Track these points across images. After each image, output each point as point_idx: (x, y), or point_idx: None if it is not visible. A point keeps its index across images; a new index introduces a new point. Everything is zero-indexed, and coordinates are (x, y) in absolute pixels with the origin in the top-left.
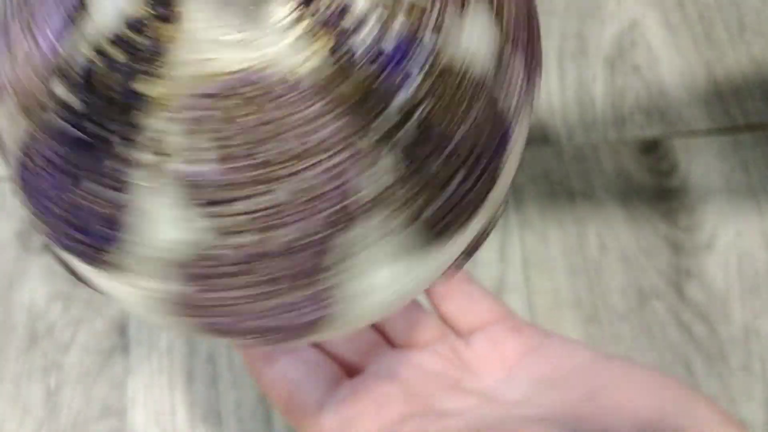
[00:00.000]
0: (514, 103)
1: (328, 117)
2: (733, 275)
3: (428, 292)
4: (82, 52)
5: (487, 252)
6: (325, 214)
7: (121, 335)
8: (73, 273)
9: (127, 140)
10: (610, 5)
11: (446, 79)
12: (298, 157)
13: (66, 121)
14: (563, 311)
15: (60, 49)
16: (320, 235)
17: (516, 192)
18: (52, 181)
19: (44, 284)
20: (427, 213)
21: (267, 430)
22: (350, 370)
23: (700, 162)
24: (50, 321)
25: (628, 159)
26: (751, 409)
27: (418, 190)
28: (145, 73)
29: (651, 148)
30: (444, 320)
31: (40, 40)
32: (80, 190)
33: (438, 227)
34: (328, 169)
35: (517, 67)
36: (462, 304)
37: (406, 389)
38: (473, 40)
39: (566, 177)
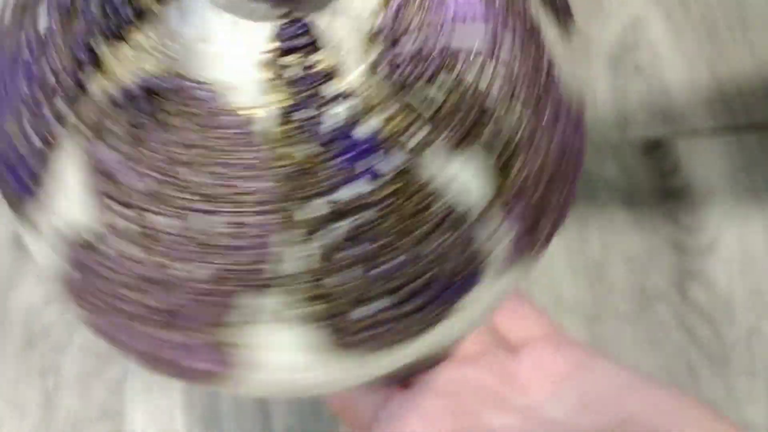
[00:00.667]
0: (493, 254)
1: (266, 171)
2: (736, 276)
3: None
4: None
5: None
6: (236, 267)
7: None
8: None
9: (69, 96)
10: (613, 5)
11: (404, 200)
12: (224, 198)
13: (30, 51)
14: (565, 312)
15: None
16: (227, 287)
17: None
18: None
19: (42, 286)
20: (337, 321)
21: (265, 431)
22: (405, 381)
23: (703, 162)
24: (48, 322)
25: (630, 159)
26: (754, 411)
27: (330, 292)
28: (108, 36)
29: (654, 147)
30: (494, 334)
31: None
32: (13, 123)
33: (348, 340)
34: (253, 223)
35: (508, 225)
36: (512, 318)
37: (454, 404)
38: (458, 178)
39: None
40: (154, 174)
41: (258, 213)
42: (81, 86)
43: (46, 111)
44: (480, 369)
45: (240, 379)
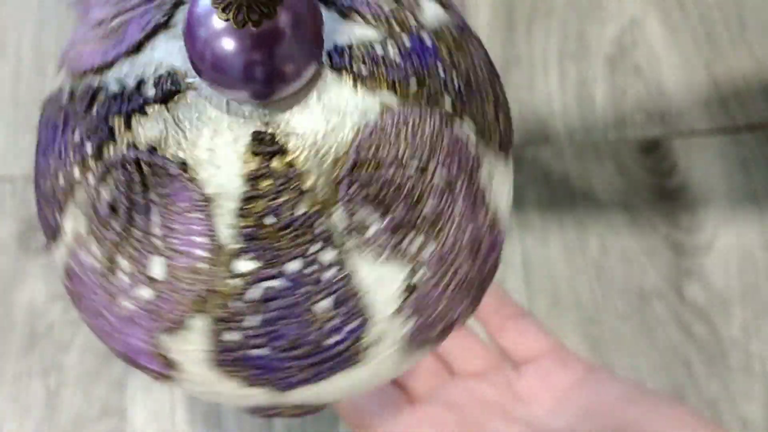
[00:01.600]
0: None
1: (422, 115)
2: (733, 275)
3: (485, 324)
4: (105, 80)
5: None
6: (469, 163)
7: None
8: None
9: (331, 244)
10: (611, 5)
11: (446, 36)
12: (429, 149)
13: (65, 120)
14: (563, 312)
15: (105, 73)
16: (475, 183)
17: (516, 192)
18: (45, 159)
19: (44, 284)
20: (500, 138)
21: (267, 430)
22: (413, 396)
23: (701, 162)
24: (50, 321)
25: (628, 159)
26: (751, 410)
27: (489, 123)
28: (120, 114)
29: (651, 148)
30: (500, 351)
31: (196, 250)
32: (55, 179)
33: (508, 144)
34: (449, 140)
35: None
36: (516, 336)
37: (461, 417)
38: (433, 15)
39: (566, 177)
40: (118, 227)
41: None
42: (99, 152)
43: (69, 161)
44: (485, 384)
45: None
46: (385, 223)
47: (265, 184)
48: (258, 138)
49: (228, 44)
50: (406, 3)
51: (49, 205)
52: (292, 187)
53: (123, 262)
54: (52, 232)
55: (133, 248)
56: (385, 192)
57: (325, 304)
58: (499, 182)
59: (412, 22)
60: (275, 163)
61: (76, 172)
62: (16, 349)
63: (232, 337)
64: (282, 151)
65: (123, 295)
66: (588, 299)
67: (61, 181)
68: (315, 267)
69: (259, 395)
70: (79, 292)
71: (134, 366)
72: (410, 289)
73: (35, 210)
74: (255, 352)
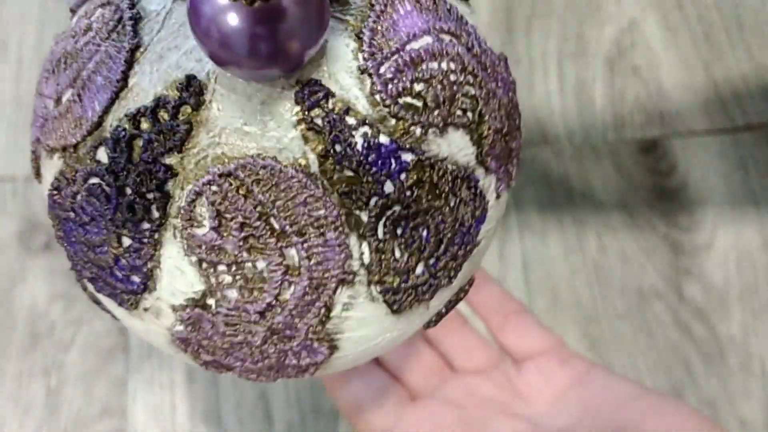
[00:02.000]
0: (489, 191)
1: (326, 198)
2: (732, 275)
3: (486, 322)
4: (122, 126)
5: (487, 253)
6: (331, 276)
7: (122, 335)
8: (97, 303)
9: (160, 207)
10: (610, 6)
11: (425, 178)
12: (306, 227)
13: (109, 185)
14: (563, 311)
15: (105, 121)
16: (327, 292)
17: (516, 192)
18: (95, 234)
19: (45, 284)
20: (391, 296)
21: (267, 430)
22: (414, 392)
23: (700, 162)
24: (51, 321)
25: (627, 159)
26: (750, 409)
27: (390, 269)
28: (173, 149)
29: (650, 148)
30: (501, 348)
31: (89, 110)
32: (117, 245)
33: (399, 307)
34: (333, 238)
35: (493, 167)
36: (517, 333)
37: (461, 414)
38: (452, 150)
39: (566, 178)
40: (243, 233)
41: (334, 228)
42: (165, 193)
43: (143, 223)
44: (487, 381)
45: (333, 362)
46: (211, 236)
47: (162, 115)
48: (190, 81)
49: (233, 19)
50: (430, 117)
51: None
52: (174, 138)
53: (59, 72)
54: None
55: (68, 68)
56: (231, 217)
57: (126, 242)
58: (359, 319)
59: (413, 134)
60: (184, 109)
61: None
62: (16, 348)
63: (62, 193)
64: (194, 108)
65: (43, 96)
66: (587, 299)
67: None
68: (138, 208)
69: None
70: (45, 73)
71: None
72: (195, 304)
73: (37, 210)
74: (67, 221)
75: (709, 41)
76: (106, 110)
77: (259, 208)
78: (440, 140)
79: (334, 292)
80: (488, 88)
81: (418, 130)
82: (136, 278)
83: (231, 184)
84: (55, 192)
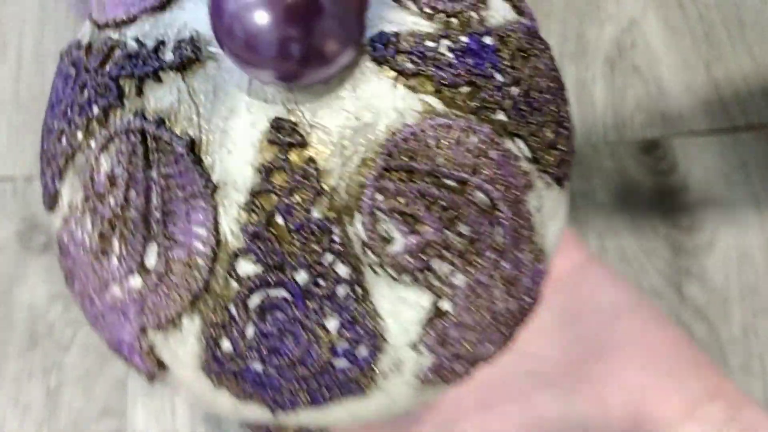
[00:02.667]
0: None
1: (469, 124)
2: (732, 275)
3: None
4: (247, 221)
5: None
6: (517, 188)
7: None
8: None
9: (344, 261)
10: (610, 6)
11: (512, 49)
12: (474, 166)
13: (281, 283)
14: None
15: (221, 230)
16: (524, 208)
17: None
18: (294, 346)
19: (44, 284)
20: (557, 165)
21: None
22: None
23: (700, 162)
24: (50, 321)
25: (628, 159)
26: None
27: (546, 147)
28: (316, 195)
29: (651, 148)
30: None
31: (196, 239)
32: (325, 333)
33: (563, 173)
34: (498, 160)
35: None
36: None
37: None
38: (500, 14)
39: None
40: (432, 214)
41: (493, 147)
42: (341, 244)
43: (338, 289)
44: None
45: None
46: (411, 241)
47: (279, 178)
48: (278, 125)
49: (261, 18)
50: None
51: (50, 168)
52: (309, 185)
53: (116, 245)
54: (50, 200)
55: (127, 230)
56: (415, 207)
57: (334, 323)
58: (549, 213)
59: (475, 20)
60: (294, 156)
61: (79, 135)
62: (16, 349)
63: (225, 345)
64: (302, 144)
65: (113, 281)
66: None
67: (64, 142)
68: (326, 281)
69: (256, 412)
70: (71, 270)
71: (123, 359)
72: (432, 320)
73: (36, 210)
74: (250, 365)
75: (709, 41)
76: (215, 224)
77: (429, 179)
78: (489, 12)
79: (527, 202)
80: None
81: (474, 14)
82: (363, 350)
83: (393, 178)
84: (215, 353)
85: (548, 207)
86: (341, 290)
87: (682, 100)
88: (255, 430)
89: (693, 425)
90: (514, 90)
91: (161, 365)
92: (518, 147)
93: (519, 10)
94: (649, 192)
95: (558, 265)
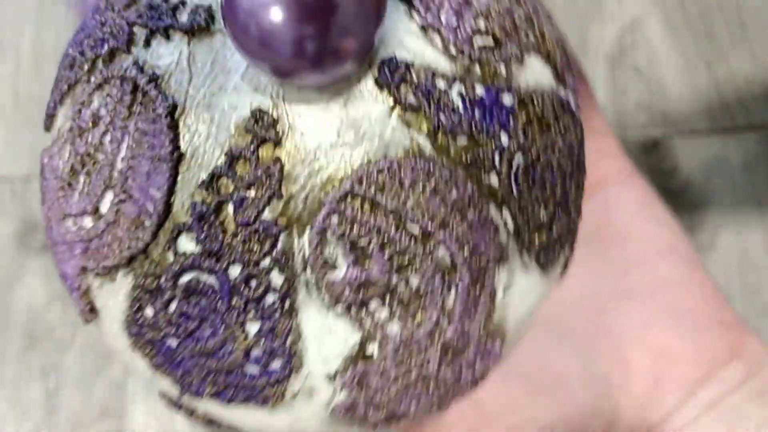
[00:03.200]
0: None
1: (454, 176)
2: (734, 276)
3: None
4: (200, 199)
5: None
6: (486, 258)
7: None
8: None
9: (282, 268)
10: (611, 5)
11: (532, 115)
12: (445, 220)
13: (211, 272)
14: None
15: (174, 206)
16: (488, 280)
17: None
18: (210, 337)
19: (44, 285)
20: (543, 250)
21: None
22: None
23: (702, 162)
24: (50, 321)
25: (629, 159)
26: None
27: (535, 226)
28: (272, 197)
29: (652, 148)
30: None
31: (148, 202)
32: (243, 337)
33: (549, 259)
34: (473, 223)
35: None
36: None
37: None
38: (535, 76)
39: None
40: (386, 254)
41: (473, 206)
42: (282, 251)
43: (267, 297)
44: None
45: (503, 358)
46: (354, 273)
47: (242, 168)
48: (258, 116)
49: (276, 15)
50: (505, 50)
51: (56, 90)
52: (268, 185)
53: (81, 181)
54: (48, 120)
55: (94, 171)
56: (368, 240)
57: (254, 328)
58: (519, 295)
59: (501, 74)
60: (263, 152)
61: (85, 67)
62: (15, 349)
63: (147, 311)
64: (276, 142)
65: (70, 215)
66: None
67: (71, 70)
68: (257, 284)
69: (167, 386)
70: (44, 192)
71: (69, 292)
72: (355, 359)
73: (34, 210)
74: (165, 340)
75: (711, 41)
76: (170, 192)
77: (392, 218)
78: (523, 70)
79: (494, 276)
80: (531, 3)
81: (503, 68)
82: (276, 364)
83: (354, 205)
84: (136, 315)
85: (520, 289)
86: (270, 298)
87: (683, 99)
88: (168, 404)
89: (712, 386)
90: (518, 157)
91: (93, 310)
92: (502, 217)
93: (560, 79)
94: None
95: (590, 174)
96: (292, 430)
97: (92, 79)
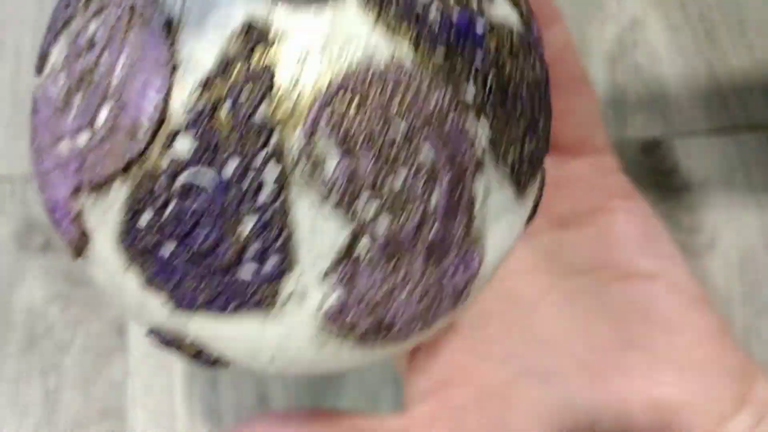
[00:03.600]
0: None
1: (436, 82)
2: (734, 276)
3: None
4: (196, 99)
5: None
6: (466, 163)
7: (121, 336)
8: (196, 355)
9: (276, 162)
10: (611, 5)
11: (503, 41)
12: (427, 121)
13: (207, 166)
14: None
15: (169, 111)
16: (467, 184)
17: None
18: (207, 236)
19: (43, 285)
20: (517, 165)
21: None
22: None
23: (702, 162)
24: (49, 322)
25: (629, 159)
26: None
27: (508, 140)
28: (266, 94)
29: (652, 148)
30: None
31: (143, 110)
32: (239, 232)
33: (522, 178)
34: (453, 127)
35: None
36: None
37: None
38: (503, 12)
39: None
40: (373, 149)
41: (453, 110)
42: (276, 145)
43: (262, 192)
44: None
45: (482, 274)
46: (344, 165)
47: (236, 68)
48: (251, 22)
49: None
50: None
51: (49, 34)
52: (261, 84)
53: (77, 100)
54: (40, 62)
55: (91, 88)
56: (357, 135)
57: (250, 222)
58: (495, 209)
59: (472, 4)
60: (256, 54)
61: (82, 1)
62: (14, 349)
63: (144, 217)
64: (269, 45)
65: (64, 137)
66: None
67: (67, 9)
68: (253, 177)
69: (158, 307)
70: (35, 128)
71: (55, 227)
72: (347, 254)
73: (35, 210)
74: (160, 246)
75: (711, 40)
76: (166, 99)
77: (380, 115)
78: (493, 8)
79: (473, 181)
80: None
81: (474, 1)
82: (272, 261)
83: (344, 102)
84: (130, 222)
85: (496, 202)
86: (264, 192)
87: (683, 99)
88: (153, 335)
89: None
90: (492, 73)
91: (84, 235)
92: (479, 126)
93: (525, 22)
94: (650, 192)
95: (590, 197)
96: (282, 348)
97: (90, 7)
